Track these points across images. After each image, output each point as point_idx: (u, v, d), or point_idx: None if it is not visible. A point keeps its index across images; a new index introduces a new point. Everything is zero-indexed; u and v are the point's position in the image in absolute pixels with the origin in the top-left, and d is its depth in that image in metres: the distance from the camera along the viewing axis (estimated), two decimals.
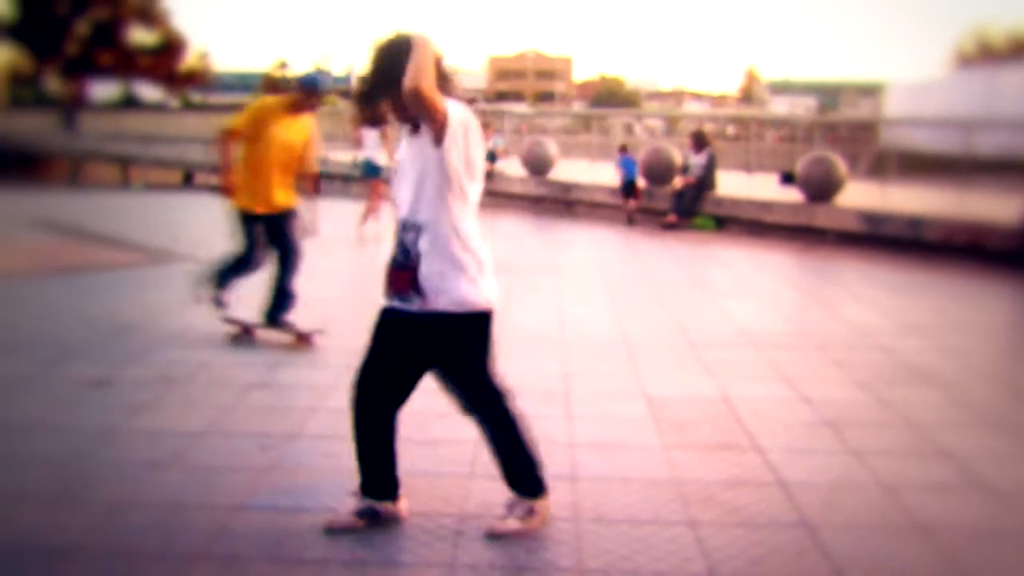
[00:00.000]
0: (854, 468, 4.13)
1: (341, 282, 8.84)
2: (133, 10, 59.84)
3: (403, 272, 3.21)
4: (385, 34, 3.19)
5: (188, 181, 30.75)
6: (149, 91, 60.33)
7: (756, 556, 3.28)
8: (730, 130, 27.21)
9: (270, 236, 6.32)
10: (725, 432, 4.58)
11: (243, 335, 6.41)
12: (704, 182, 13.36)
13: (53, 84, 57.03)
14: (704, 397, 5.17)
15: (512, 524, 3.38)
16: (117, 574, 3.12)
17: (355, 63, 27.64)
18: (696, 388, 5.35)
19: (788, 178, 13.93)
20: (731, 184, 14.30)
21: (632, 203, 14.02)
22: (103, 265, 9.56)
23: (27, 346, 6.06)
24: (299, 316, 7.03)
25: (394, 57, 3.06)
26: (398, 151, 3.40)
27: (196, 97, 64.12)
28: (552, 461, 4.11)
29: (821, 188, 12.36)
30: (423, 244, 3.17)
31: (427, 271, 3.16)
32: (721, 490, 3.85)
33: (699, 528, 3.49)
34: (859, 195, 12.92)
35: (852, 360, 6.02)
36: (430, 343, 3.28)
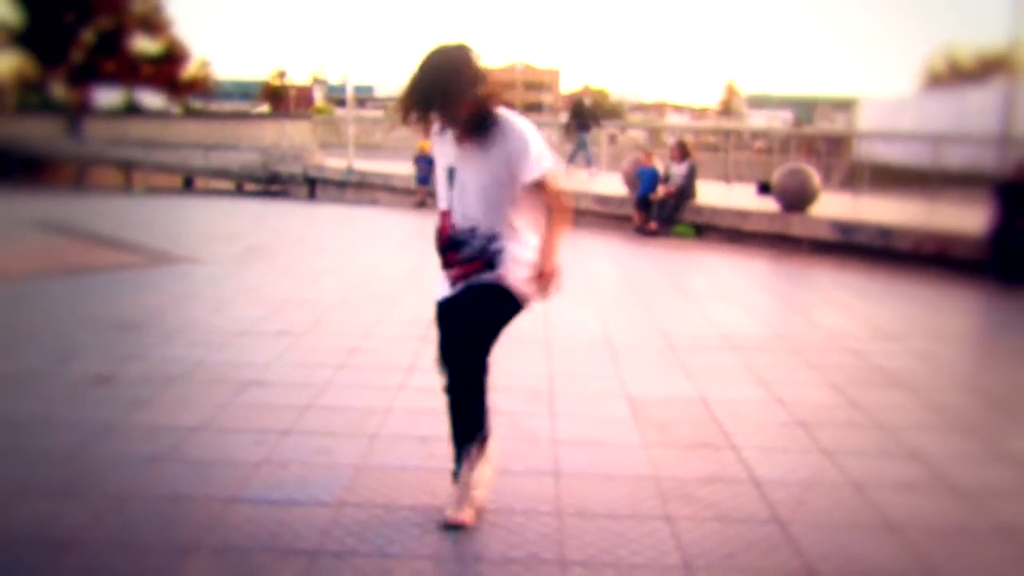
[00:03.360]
0: (826, 467, 4.14)
1: (334, 283, 8.81)
2: (137, 20, 59.59)
3: (478, 260, 3.30)
4: (434, 47, 3.16)
5: (189, 185, 30.66)
6: (152, 98, 60.04)
7: (730, 550, 3.28)
8: (711, 139, 27.24)
9: None
10: (703, 431, 4.59)
11: None
12: (685, 191, 13.39)
13: (59, 90, 56.73)
14: (683, 398, 5.18)
15: (466, 513, 3.42)
16: (117, 564, 3.10)
17: (350, 73, 27.59)
18: (676, 389, 5.36)
19: (765, 188, 13.98)
20: (710, 193, 14.33)
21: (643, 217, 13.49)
22: (105, 266, 9.52)
23: (31, 344, 6.03)
24: (294, 316, 7.02)
25: (448, 72, 3.09)
26: (442, 155, 3.39)
27: (197, 104, 63.92)
28: (536, 457, 4.13)
29: (796, 198, 12.42)
30: (495, 247, 3.30)
31: (504, 262, 3.30)
32: (698, 487, 3.86)
33: (676, 523, 3.49)
34: (833, 205, 12.99)
35: (825, 363, 6.03)
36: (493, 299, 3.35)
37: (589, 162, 18.61)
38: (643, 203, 13.52)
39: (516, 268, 3.32)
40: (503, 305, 3.35)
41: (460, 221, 3.31)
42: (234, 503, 3.57)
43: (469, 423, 3.45)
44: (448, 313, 3.40)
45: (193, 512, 3.49)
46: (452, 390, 3.42)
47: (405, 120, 3.17)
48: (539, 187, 3.28)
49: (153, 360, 5.67)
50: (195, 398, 4.93)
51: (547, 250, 3.30)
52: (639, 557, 3.21)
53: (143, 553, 3.17)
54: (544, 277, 3.29)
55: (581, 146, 18.63)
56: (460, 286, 3.35)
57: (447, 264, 3.37)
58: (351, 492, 3.71)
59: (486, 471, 3.49)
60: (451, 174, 3.31)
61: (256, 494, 3.67)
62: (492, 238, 3.29)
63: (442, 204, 3.37)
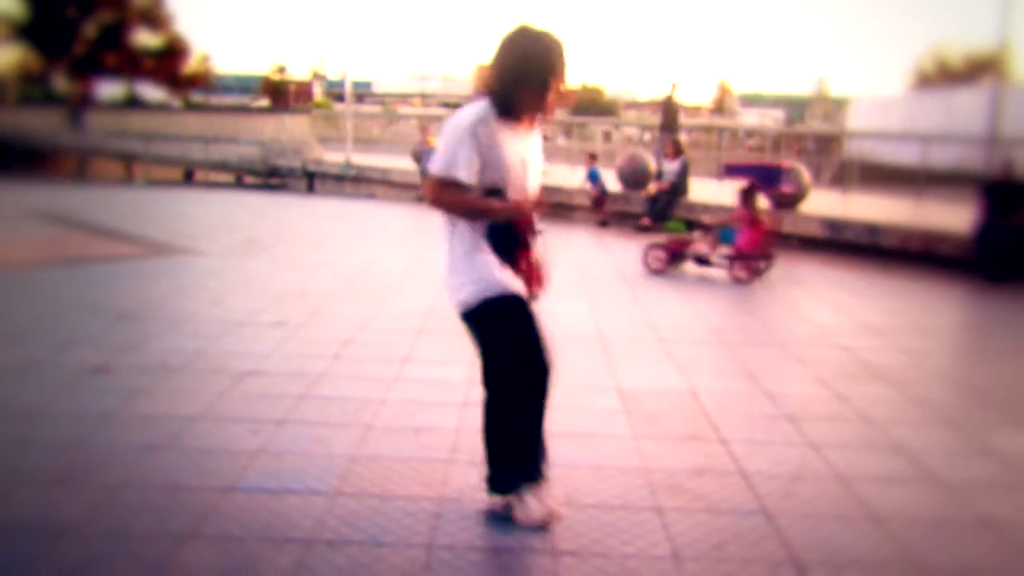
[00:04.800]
0: (812, 460, 4.15)
1: (331, 276, 8.79)
2: (139, 14, 59.31)
3: (537, 270, 3.24)
4: (515, 29, 3.06)
5: (189, 178, 30.58)
6: (153, 91, 59.81)
7: (718, 541, 3.29)
8: (704, 137, 27.21)
9: None
10: (692, 424, 4.60)
11: None
12: (677, 188, 13.39)
13: (61, 83, 56.51)
14: (673, 391, 5.18)
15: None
16: (114, 552, 3.09)
17: (349, 69, 27.54)
18: (666, 382, 5.36)
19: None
20: (702, 190, 14.33)
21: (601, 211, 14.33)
22: (106, 257, 9.49)
23: (31, 333, 6.01)
24: (291, 307, 7.01)
25: (530, 52, 3.01)
26: (509, 145, 3.11)
27: (198, 98, 63.65)
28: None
29: (787, 196, 12.42)
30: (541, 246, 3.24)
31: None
32: (687, 478, 3.86)
33: (665, 514, 3.50)
34: (822, 203, 13.01)
35: (812, 358, 6.05)
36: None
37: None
38: (598, 201, 14.46)
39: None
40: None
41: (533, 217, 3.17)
42: (230, 492, 3.57)
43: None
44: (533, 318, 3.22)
45: (190, 501, 3.48)
46: (544, 391, 3.29)
47: (512, 101, 3.04)
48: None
49: (152, 350, 5.65)
50: (193, 388, 4.92)
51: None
52: (629, 547, 3.22)
53: (140, 541, 3.16)
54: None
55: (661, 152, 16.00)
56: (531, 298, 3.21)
57: (512, 263, 3.15)
58: (346, 482, 3.70)
59: None
60: (524, 163, 3.15)
61: (252, 483, 3.66)
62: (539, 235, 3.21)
63: (517, 194, 3.12)
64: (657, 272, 9.35)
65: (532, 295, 3.24)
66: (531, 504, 3.29)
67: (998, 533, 3.48)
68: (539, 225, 3.23)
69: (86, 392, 4.81)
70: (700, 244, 9.53)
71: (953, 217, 10.96)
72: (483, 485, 3.49)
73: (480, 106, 3.06)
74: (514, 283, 3.14)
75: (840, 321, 7.33)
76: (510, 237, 3.13)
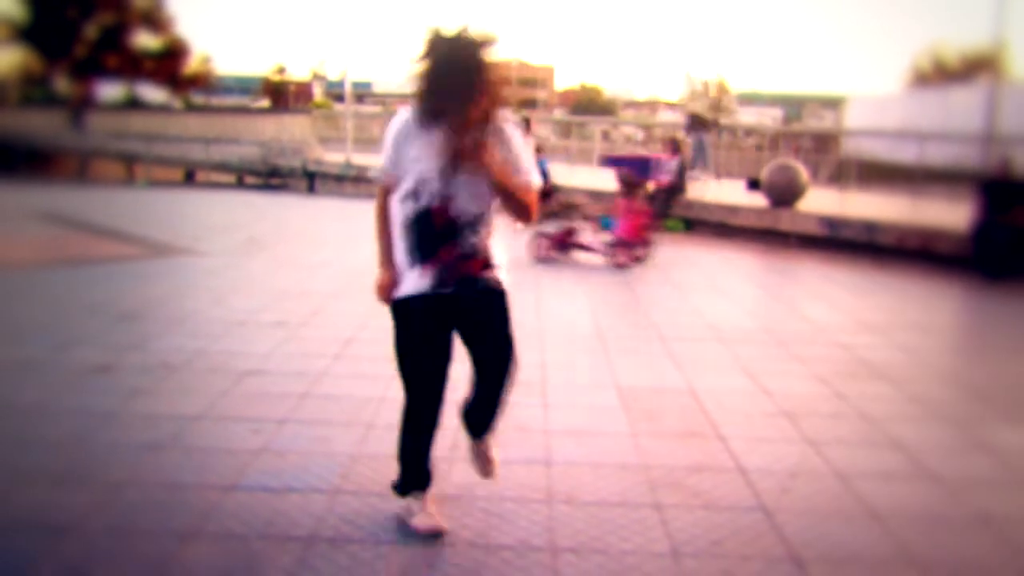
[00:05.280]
0: (810, 456, 4.15)
1: (331, 275, 8.79)
2: (139, 16, 59.27)
3: (475, 260, 3.13)
4: (441, 35, 2.89)
5: (190, 178, 30.55)
6: (153, 93, 59.79)
7: (717, 537, 3.29)
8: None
9: None
10: (691, 421, 4.60)
11: None
12: (675, 186, 13.38)
13: (62, 84, 56.48)
14: (672, 388, 5.18)
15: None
16: (116, 550, 3.09)
17: (349, 69, 27.50)
18: (665, 379, 5.36)
19: (754, 184, 13.98)
20: (700, 189, 14.32)
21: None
22: (107, 257, 9.48)
23: (34, 333, 6.00)
24: (292, 307, 7.01)
25: (463, 67, 2.87)
26: (427, 151, 3.04)
27: (198, 99, 63.61)
28: (528, 446, 4.13)
29: (784, 194, 12.43)
30: (483, 234, 3.14)
31: (494, 256, 3.18)
32: (685, 475, 3.86)
33: (664, 511, 3.50)
34: (820, 201, 13.01)
35: (811, 355, 6.05)
36: (482, 313, 3.23)
37: (705, 167, 16.13)
38: (545, 194, 14.32)
39: (501, 268, 3.24)
40: (507, 306, 3.27)
41: (456, 215, 3.08)
42: (232, 490, 3.57)
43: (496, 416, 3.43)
44: (453, 310, 3.15)
45: (191, 499, 3.48)
46: (501, 390, 3.31)
47: (431, 116, 2.96)
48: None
49: (153, 350, 5.65)
50: (194, 387, 4.91)
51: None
52: (628, 544, 3.22)
53: (142, 539, 3.16)
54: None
55: (699, 150, 16.03)
56: (451, 283, 3.11)
57: (434, 258, 3.09)
58: (346, 480, 3.71)
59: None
60: (445, 171, 3.02)
61: (254, 481, 3.66)
62: (486, 237, 3.15)
63: (430, 201, 3.04)
64: (543, 260, 9.81)
65: (452, 279, 3.11)
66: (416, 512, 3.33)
67: (995, 529, 3.48)
68: (483, 228, 3.13)
69: (88, 391, 4.81)
70: (584, 232, 10.08)
71: (950, 215, 10.95)
72: (486, 483, 3.50)
73: (404, 113, 3.09)
74: (416, 283, 3.13)
75: (838, 318, 7.33)
76: (427, 229, 3.08)
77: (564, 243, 10.01)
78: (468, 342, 3.25)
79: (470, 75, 2.87)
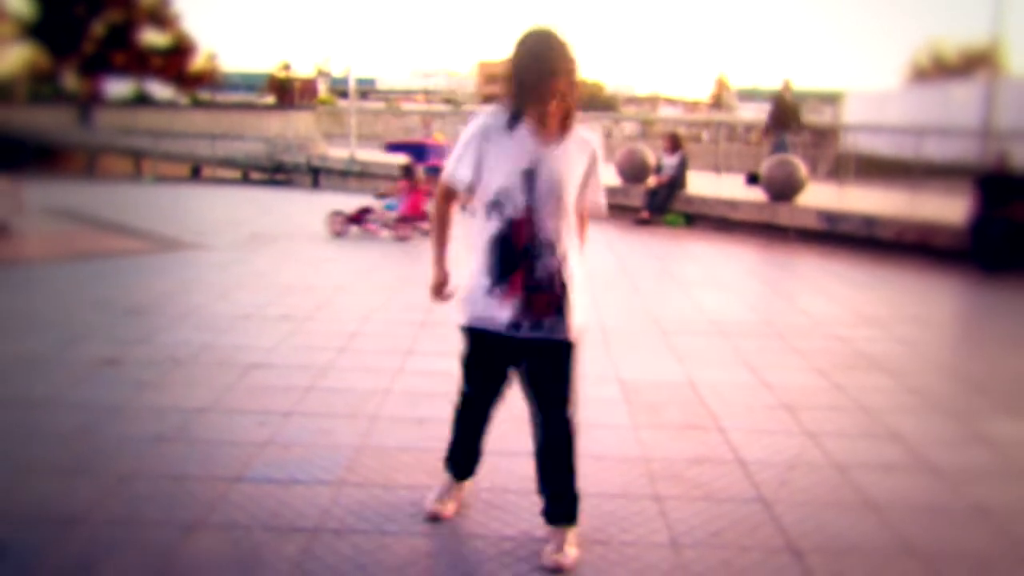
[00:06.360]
0: (809, 448, 4.14)
1: (335, 270, 8.79)
2: (146, 13, 59.34)
3: (551, 294, 2.92)
4: (531, 31, 2.81)
5: (196, 174, 30.57)
6: (161, 89, 59.84)
7: (716, 528, 3.29)
8: (704, 135, 27.09)
9: None
10: (691, 413, 4.59)
11: None
12: (676, 181, 13.35)
13: (70, 81, 56.58)
14: (673, 381, 5.17)
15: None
16: (123, 540, 3.10)
17: (353, 66, 27.51)
18: (666, 372, 5.36)
19: (753, 179, 13.95)
20: (701, 184, 14.30)
21: None
22: (115, 252, 9.49)
23: (43, 327, 6.01)
24: (297, 301, 7.01)
25: (531, 56, 2.77)
26: (513, 154, 2.86)
27: (205, 96, 63.61)
28: (529, 439, 4.10)
29: (784, 188, 12.39)
30: (561, 254, 2.91)
31: (572, 286, 2.96)
32: (686, 467, 3.86)
33: (664, 502, 3.50)
34: (819, 195, 12.97)
35: (810, 348, 6.04)
36: (545, 366, 3.03)
37: None
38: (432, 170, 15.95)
39: (577, 311, 2.99)
40: (571, 361, 3.04)
41: (538, 233, 2.87)
42: (238, 482, 3.57)
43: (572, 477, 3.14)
44: (521, 350, 2.98)
45: (198, 491, 3.48)
46: (566, 439, 3.08)
47: (519, 106, 2.81)
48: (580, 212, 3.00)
49: (160, 343, 5.66)
50: (201, 380, 4.92)
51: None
52: (628, 535, 3.22)
53: (149, 529, 3.16)
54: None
55: (781, 150, 14.75)
56: (527, 326, 2.91)
57: (510, 284, 2.89)
58: (351, 472, 3.71)
59: None
60: (529, 176, 2.83)
61: (259, 473, 3.66)
62: (563, 259, 2.91)
63: (514, 212, 2.85)
64: (338, 234, 10.91)
65: (527, 320, 2.93)
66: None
67: (992, 520, 3.47)
68: (561, 248, 2.92)
69: (96, 384, 4.82)
70: (374, 210, 11.25)
71: (948, 209, 10.92)
72: (489, 475, 3.50)
73: (490, 111, 2.92)
74: (493, 313, 2.94)
75: (837, 311, 7.32)
76: (506, 254, 2.89)
77: (356, 219, 11.10)
78: (525, 384, 3.10)
79: (556, 76, 2.76)
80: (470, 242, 3.00)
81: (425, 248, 9.87)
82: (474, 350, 3.11)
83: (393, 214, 11.03)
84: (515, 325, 2.93)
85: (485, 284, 2.93)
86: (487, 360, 3.11)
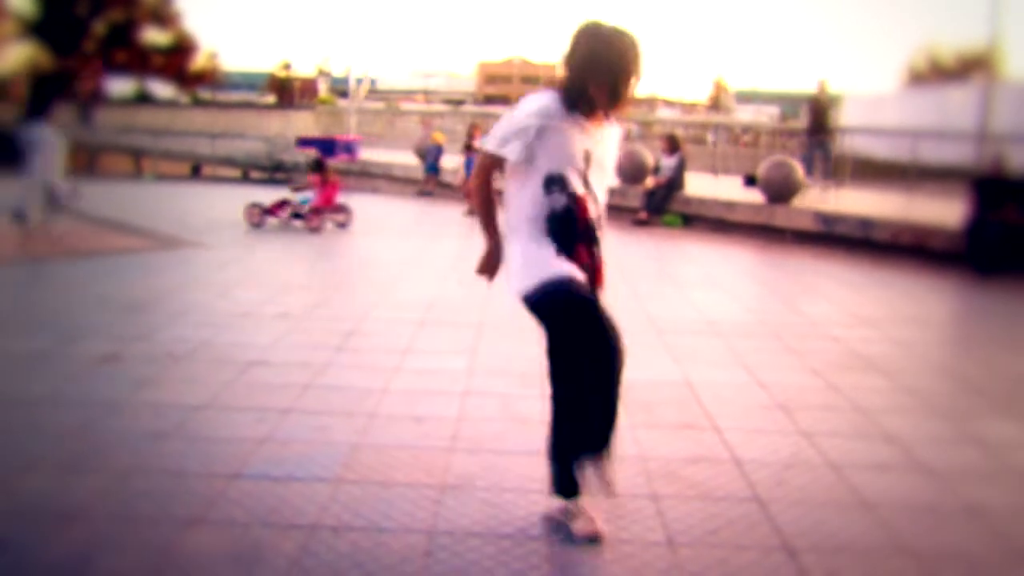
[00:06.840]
0: (804, 448, 4.14)
1: (334, 268, 8.79)
2: (147, 12, 59.29)
3: (598, 273, 3.19)
4: (602, 25, 2.96)
5: (196, 173, 30.54)
6: (161, 88, 59.75)
7: (712, 527, 3.29)
8: (709, 137, 27.04)
9: None
10: (687, 413, 4.59)
11: None
12: (674, 182, 13.37)
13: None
14: (669, 380, 5.17)
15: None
16: (122, 536, 3.09)
17: (353, 66, 27.49)
18: (662, 372, 5.35)
19: (751, 181, 13.97)
20: (698, 185, 14.31)
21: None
22: (115, 249, 9.48)
23: (42, 324, 6.01)
24: (295, 299, 7.00)
25: (598, 49, 2.92)
26: (574, 137, 3.01)
27: (205, 95, 63.50)
28: (527, 438, 4.11)
29: (781, 190, 12.41)
30: (601, 241, 3.16)
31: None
32: (682, 466, 3.86)
33: (661, 501, 3.50)
34: (816, 198, 12.98)
35: (806, 348, 6.04)
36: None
37: (826, 174, 14.71)
38: (432, 169, 17.22)
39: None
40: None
41: (593, 212, 3.08)
42: (236, 479, 3.56)
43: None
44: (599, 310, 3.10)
45: (196, 487, 3.48)
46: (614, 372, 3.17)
47: (576, 104, 2.96)
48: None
49: (159, 340, 5.65)
50: (199, 377, 4.91)
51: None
52: (625, 533, 3.21)
53: (147, 525, 3.16)
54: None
55: (820, 150, 14.96)
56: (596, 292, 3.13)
57: (571, 256, 3.05)
58: (349, 469, 3.70)
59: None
60: (587, 158, 3.03)
61: (257, 470, 3.66)
62: (601, 242, 3.15)
63: (577, 188, 3.01)
64: (255, 225, 11.49)
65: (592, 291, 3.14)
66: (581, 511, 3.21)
67: (985, 520, 3.47)
68: (601, 232, 3.16)
69: (95, 381, 4.81)
70: (290, 203, 11.80)
71: (944, 212, 10.94)
72: (486, 473, 3.49)
73: (548, 95, 3.01)
74: (571, 270, 3.03)
75: (833, 312, 7.32)
76: (570, 227, 3.03)
77: (272, 212, 11.66)
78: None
79: (622, 67, 2.92)
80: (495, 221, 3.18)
81: (336, 238, 11.07)
82: (565, 306, 3.02)
83: (306, 207, 11.58)
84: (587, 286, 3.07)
85: (551, 250, 3.02)
86: (587, 306, 3.05)
